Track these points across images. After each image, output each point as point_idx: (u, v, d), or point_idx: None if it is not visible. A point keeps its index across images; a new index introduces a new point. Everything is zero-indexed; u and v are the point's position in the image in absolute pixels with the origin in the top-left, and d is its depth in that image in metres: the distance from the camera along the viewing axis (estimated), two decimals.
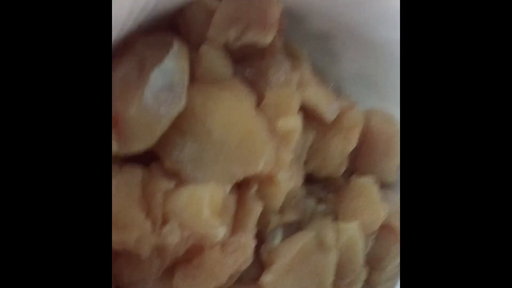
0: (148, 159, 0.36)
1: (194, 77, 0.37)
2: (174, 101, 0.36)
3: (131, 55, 0.36)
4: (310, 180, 0.44)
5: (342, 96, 0.45)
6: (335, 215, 0.43)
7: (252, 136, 0.36)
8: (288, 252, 0.38)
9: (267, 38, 0.38)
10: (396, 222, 0.43)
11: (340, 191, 0.44)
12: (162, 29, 0.38)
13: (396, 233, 0.44)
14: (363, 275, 0.42)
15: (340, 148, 0.42)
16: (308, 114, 0.41)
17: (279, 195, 0.37)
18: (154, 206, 0.35)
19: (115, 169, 0.35)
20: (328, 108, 0.41)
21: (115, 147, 0.34)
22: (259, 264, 0.38)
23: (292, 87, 0.39)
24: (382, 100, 0.46)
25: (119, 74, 0.35)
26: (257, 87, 0.39)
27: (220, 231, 0.34)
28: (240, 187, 0.37)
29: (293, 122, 0.38)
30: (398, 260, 0.44)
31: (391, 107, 0.45)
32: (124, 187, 0.34)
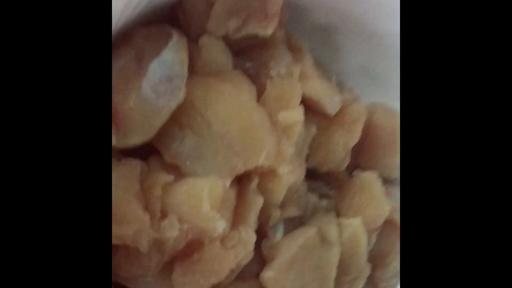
0: (147, 152, 0.36)
1: (193, 69, 0.37)
2: (173, 93, 0.35)
3: (129, 47, 0.36)
4: (312, 175, 0.43)
5: (345, 89, 0.45)
6: (338, 211, 0.43)
7: (253, 128, 0.36)
8: (289, 247, 0.38)
9: (268, 30, 0.38)
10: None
11: (343, 187, 0.44)
12: (161, 20, 0.38)
13: (400, 229, 0.43)
14: (366, 272, 0.42)
15: (343, 142, 0.42)
16: (310, 108, 0.40)
17: (280, 189, 0.37)
18: (153, 199, 0.34)
19: (113, 162, 0.34)
20: (330, 101, 0.41)
21: (113, 140, 0.34)
22: (260, 259, 0.38)
23: (294, 79, 0.39)
24: (385, 94, 0.46)
25: (118, 65, 0.35)
26: (258, 79, 0.39)
27: (220, 225, 0.33)
28: (241, 180, 0.37)
29: (294, 115, 0.37)
30: None
31: (394, 101, 0.45)
32: (123, 181, 0.34)
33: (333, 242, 0.39)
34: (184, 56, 0.36)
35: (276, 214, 0.38)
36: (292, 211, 0.40)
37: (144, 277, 0.35)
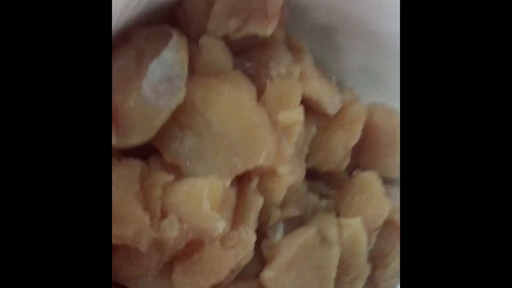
0: (147, 152, 0.36)
1: (193, 69, 0.37)
2: (173, 93, 0.35)
3: (129, 47, 0.36)
4: (312, 175, 0.43)
5: (345, 89, 0.45)
6: (338, 211, 0.43)
7: (252, 128, 0.36)
8: (289, 247, 0.38)
9: (268, 30, 0.38)
10: None
11: (343, 187, 0.44)
12: (161, 20, 0.38)
13: (400, 230, 0.43)
14: (366, 272, 0.42)
15: (343, 142, 0.42)
16: (310, 108, 0.40)
17: (280, 189, 0.37)
18: (153, 199, 0.34)
19: (113, 162, 0.34)
20: (330, 101, 0.41)
21: (113, 140, 0.34)
22: (260, 259, 0.38)
23: (294, 79, 0.39)
24: (385, 94, 0.46)
25: (118, 65, 0.35)
26: (258, 79, 0.39)
27: (220, 225, 0.33)
28: (241, 180, 0.36)
29: (294, 115, 0.37)
30: None
31: (394, 101, 0.45)
32: (123, 181, 0.34)
33: (333, 242, 0.39)
34: (184, 56, 0.36)
35: (276, 214, 0.38)
36: (292, 211, 0.40)
37: (144, 277, 0.35)
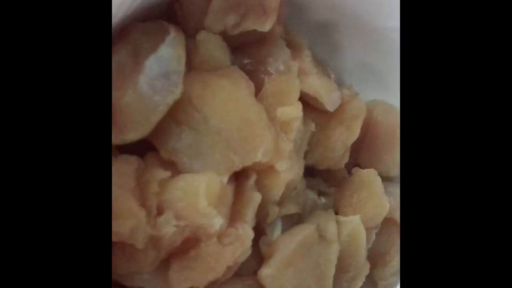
0: (144, 148, 0.36)
1: (191, 65, 0.37)
2: (170, 89, 0.35)
3: (126, 43, 0.36)
4: (311, 172, 0.43)
5: (344, 85, 0.44)
6: (337, 209, 0.43)
7: (250, 124, 0.36)
8: (288, 244, 0.38)
9: (266, 25, 0.38)
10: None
11: (342, 184, 0.44)
12: (159, 16, 0.37)
13: (399, 228, 0.43)
14: (365, 270, 0.41)
15: (342, 138, 0.41)
16: (309, 104, 0.40)
17: (278, 186, 0.37)
18: (149, 196, 0.34)
19: None
20: (329, 97, 0.40)
21: None
22: (258, 256, 0.38)
23: (292, 75, 0.39)
24: (385, 91, 0.46)
25: (114, 61, 0.35)
26: (256, 75, 0.39)
27: (217, 222, 0.33)
28: (238, 177, 0.36)
29: (293, 111, 0.37)
30: None
31: (394, 98, 0.45)
32: (119, 177, 0.34)
33: (332, 239, 0.39)
34: (181, 52, 0.36)
35: (274, 211, 0.38)
36: (291, 208, 0.39)
37: (140, 274, 0.35)
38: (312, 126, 0.40)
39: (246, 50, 0.39)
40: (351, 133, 0.42)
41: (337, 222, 0.40)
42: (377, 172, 0.43)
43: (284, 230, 0.39)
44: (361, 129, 0.42)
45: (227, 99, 0.36)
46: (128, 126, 0.34)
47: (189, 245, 0.34)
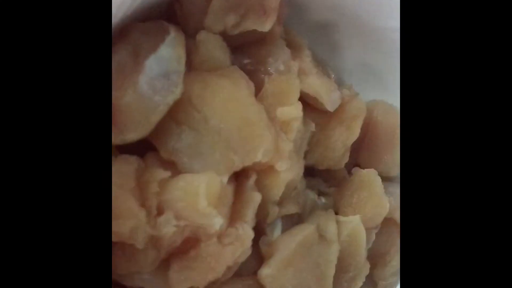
0: (144, 148, 0.36)
1: (191, 65, 0.37)
2: (170, 89, 0.35)
3: (126, 43, 0.36)
4: (311, 172, 0.43)
5: (344, 85, 0.44)
6: (337, 209, 0.43)
7: (250, 124, 0.36)
8: (288, 244, 0.38)
9: (266, 25, 0.38)
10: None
11: (342, 184, 0.44)
12: (159, 16, 0.37)
13: (399, 228, 0.43)
14: (365, 270, 0.41)
15: (342, 138, 0.41)
16: (309, 104, 0.40)
17: (278, 186, 0.37)
18: (149, 196, 0.34)
19: None
20: (329, 97, 0.40)
21: None
22: (258, 256, 0.38)
23: (292, 75, 0.39)
24: (385, 91, 0.46)
25: (114, 61, 0.35)
26: (256, 75, 0.39)
27: (217, 222, 0.33)
28: (238, 177, 0.36)
29: (293, 111, 0.37)
30: None
31: (394, 98, 0.44)
32: (119, 177, 0.34)
33: (332, 239, 0.39)
34: (181, 52, 0.36)
35: (274, 211, 0.38)
36: (291, 208, 0.39)
37: (140, 274, 0.35)
38: (312, 126, 0.40)
39: (246, 50, 0.39)
40: (351, 133, 0.42)
41: (337, 222, 0.40)
42: (377, 172, 0.43)
43: (284, 230, 0.39)
44: (361, 129, 0.42)
45: (227, 99, 0.36)
46: (128, 126, 0.34)
47: (189, 245, 0.34)
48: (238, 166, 0.35)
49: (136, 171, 0.34)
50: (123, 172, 0.34)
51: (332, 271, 0.39)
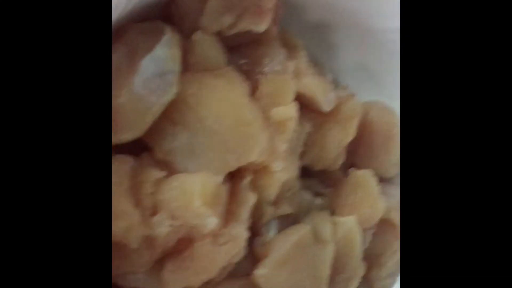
0: (139, 148, 0.36)
1: (187, 65, 0.37)
2: (165, 89, 0.35)
3: (122, 43, 0.36)
4: (306, 173, 0.43)
5: (340, 86, 0.44)
6: (332, 209, 0.42)
7: (245, 125, 0.36)
8: (283, 245, 0.38)
9: (261, 26, 0.38)
10: (396, 217, 0.43)
11: (338, 185, 0.43)
12: (154, 17, 0.37)
13: (396, 229, 0.43)
14: (361, 271, 0.41)
15: (338, 139, 0.41)
16: (305, 105, 0.40)
17: (273, 186, 0.37)
18: (144, 196, 0.34)
19: None
20: (325, 98, 0.40)
21: None
22: (253, 257, 0.38)
23: (288, 75, 0.39)
24: (382, 92, 0.46)
25: None
26: (251, 76, 0.39)
27: (211, 222, 0.33)
28: (233, 177, 0.36)
29: (288, 111, 0.37)
30: (398, 256, 0.43)
31: (391, 98, 0.44)
32: (114, 177, 0.33)
33: (327, 240, 0.39)
34: (177, 52, 0.36)
35: (269, 211, 0.38)
36: (286, 209, 0.39)
37: (134, 273, 0.35)
38: (308, 126, 0.40)
39: (242, 51, 0.39)
40: (346, 134, 0.42)
41: (333, 222, 0.40)
42: (373, 173, 0.43)
43: (279, 230, 0.39)
44: (357, 129, 0.42)
45: (222, 99, 0.36)
46: (123, 126, 0.34)
47: (183, 245, 0.34)
48: (233, 166, 0.35)
49: (131, 171, 0.34)
50: (118, 172, 0.34)
51: (327, 271, 0.39)
